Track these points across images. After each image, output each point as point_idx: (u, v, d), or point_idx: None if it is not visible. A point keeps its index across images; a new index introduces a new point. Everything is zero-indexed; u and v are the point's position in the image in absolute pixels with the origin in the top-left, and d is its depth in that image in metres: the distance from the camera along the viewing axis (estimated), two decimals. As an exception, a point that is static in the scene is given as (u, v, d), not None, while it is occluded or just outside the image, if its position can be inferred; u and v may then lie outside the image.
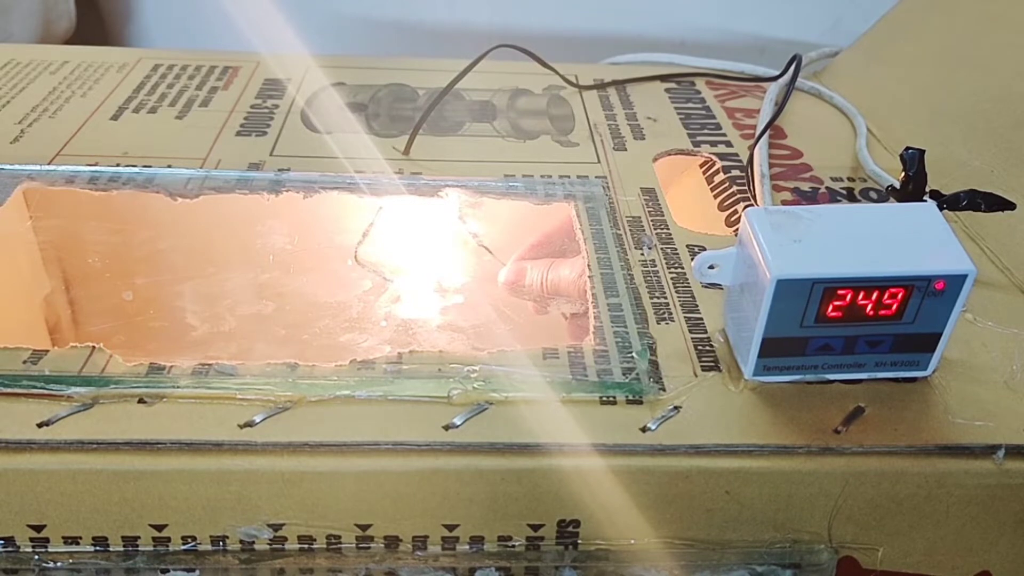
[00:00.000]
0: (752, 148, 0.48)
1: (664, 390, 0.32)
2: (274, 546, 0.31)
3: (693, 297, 0.37)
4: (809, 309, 0.30)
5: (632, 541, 0.31)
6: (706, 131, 0.52)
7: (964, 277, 0.30)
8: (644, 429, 0.30)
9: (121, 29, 0.92)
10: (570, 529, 0.31)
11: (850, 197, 0.45)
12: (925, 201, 0.40)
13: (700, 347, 0.34)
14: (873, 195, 0.45)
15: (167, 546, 0.30)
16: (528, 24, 0.85)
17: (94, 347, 0.32)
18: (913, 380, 0.33)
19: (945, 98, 0.50)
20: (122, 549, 0.30)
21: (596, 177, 0.46)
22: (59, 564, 0.30)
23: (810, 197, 0.45)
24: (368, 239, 0.48)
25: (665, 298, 0.37)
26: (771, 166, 0.47)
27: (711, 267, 0.33)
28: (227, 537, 0.30)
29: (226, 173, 0.44)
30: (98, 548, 0.30)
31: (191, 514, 0.30)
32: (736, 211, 0.44)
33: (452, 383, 0.32)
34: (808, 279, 0.30)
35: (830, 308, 0.30)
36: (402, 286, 0.49)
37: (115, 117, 0.50)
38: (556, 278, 0.43)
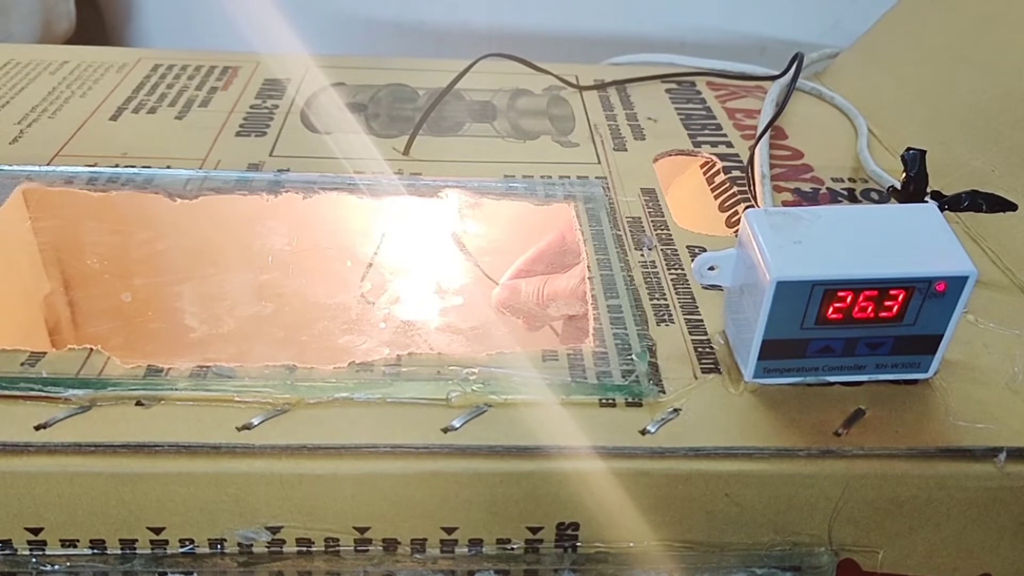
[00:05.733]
0: (753, 148, 0.48)
1: (664, 392, 0.32)
2: (272, 549, 0.30)
3: (693, 298, 0.37)
4: (809, 311, 0.30)
5: (631, 544, 0.31)
6: (706, 131, 0.52)
7: (965, 279, 0.30)
8: (644, 431, 0.30)
9: (121, 29, 0.92)
10: (569, 532, 0.31)
11: (851, 198, 0.45)
12: (926, 202, 0.40)
13: (700, 349, 0.34)
14: (874, 196, 0.45)
15: (165, 549, 0.30)
16: (528, 24, 0.85)
17: (92, 349, 0.32)
18: (914, 382, 0.33)
19: (946, 98, 0.50)
20: (120, 552, 0.30)
21: (596, 178, 0.46)
22: (56, 567, 0.30)
23: (811, 198, 0.45)
24: (373, 268, 0.48)
25: (665, 299, 0.37)
26: (772, 167, 0.47)
27: (711, 268, 0.33)
28: (225, 540, 0.30)
29: (225, 174, 0.44)
30: (96, 551, 0.30)
31: (189, 517, 0.30)
32: (736, 212, 0.44)
33: (451, 385, 0.31)
34: (808, 281, 0.29)
35: (830, 310, 0.30)
36: (401, 287, 0.49)
37: (114, 117, 0.50)
38: (553, 291, 0.42)
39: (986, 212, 0.39)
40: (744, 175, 0.47)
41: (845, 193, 0.46)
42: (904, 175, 0.40)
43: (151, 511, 0.29)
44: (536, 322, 0.46)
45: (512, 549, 0.31)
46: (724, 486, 0.30)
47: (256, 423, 0.30)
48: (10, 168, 0.44)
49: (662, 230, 0.41)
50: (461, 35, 0.86)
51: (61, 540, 0.30)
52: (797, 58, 0.55)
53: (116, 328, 0.49)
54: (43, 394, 0.30)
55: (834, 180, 0.47)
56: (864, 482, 0.30)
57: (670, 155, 0.49)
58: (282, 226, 0.48)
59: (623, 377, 0.32)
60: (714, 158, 0.49)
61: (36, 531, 0.30)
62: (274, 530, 0.30)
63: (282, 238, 0.48)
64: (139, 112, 0.51)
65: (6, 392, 0.30)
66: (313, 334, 0.46)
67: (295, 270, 0.49)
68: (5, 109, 0.50)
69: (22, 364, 0.32)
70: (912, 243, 0.30)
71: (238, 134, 0.49)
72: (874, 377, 0.32)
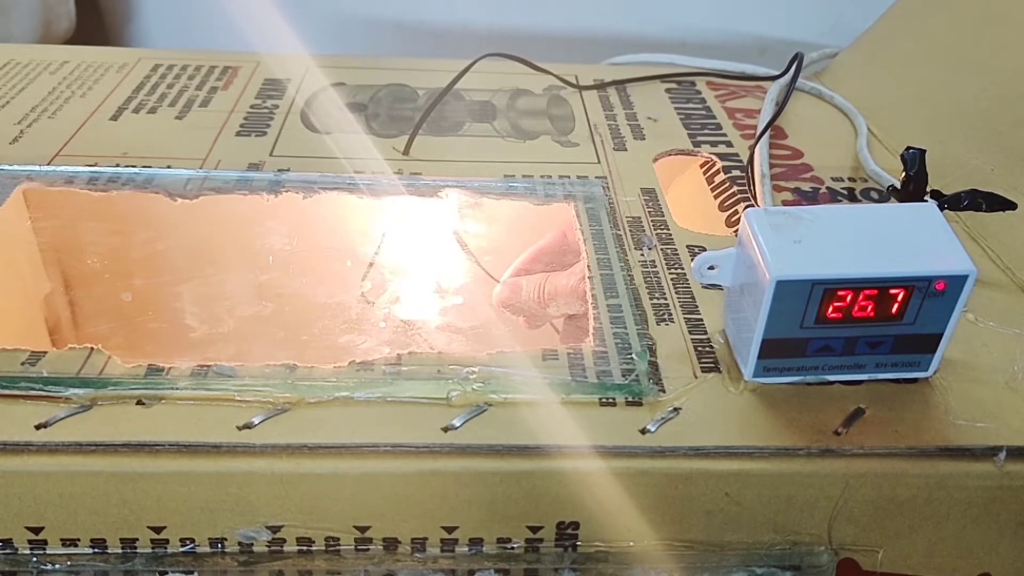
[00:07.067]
0: (752, 148, 0.48)
1: (664, 391, 0.32)
2: (273, 548, 0.30)
3: (693, 298, 0.37)
4: (809, 310, 0.30)
5: (631, 543, 0.31)
6: (706, 131, 0.52)
7: (965, 278, 0.30)
8: (644, 431, 0.30)
9: (121, 29, 0.92)
10: (569, 531, 0.31)
11: (851, 197, 0.45)
12: (926, 201, 0.40)
13: (700, 348, 0.34)
14: (874, 195, 0.45)
15: (165, 548, 0.30)
16: (528, 25, 0.85)
17: (92, 348, 0.32)
18: (914, 381, 0.33)
19: (945, 98, 0.50)
20: (120, 551, 0.30)
21: (596, 177, 0.46)
22: (57, 566, 0.30)
23: (811, 197, 0.45)
24: (373, 268, 0.48)
25: (665, 299, 0.37)
26: (772, 166, 0.47)
27: (711, 268, 0.33)
28: (226, 539, 0.30)
29: (226, 173, 0.44)
30: (96, 550, 0.30)
31: (189, 516, 0.30)
32: (736, 211, 0.44)
33: (451, 384, 0.31)
34: (808, 280, 0.29)
35: (830, 309, 0.30)
36: (401, 287, 0.49)
37: (115, 117, 0.50)
38: (554, 288, 0.42)
39: (986, 211, 0.39)
40: (744, 175, 0.47)
41: (845, 192, 0.46)
42: (904, 174, 0.40)
43: (152, 510, 0.29)
44: (536, 320, 0.46)
45: (512, 548, 0.31)
46: (724, 485, 0.30)
47: (256, 422, 0.30)
48: (10, 168, 0.44)
49: (662, 230, 0.41)
50: (461, 35, 0.86)
51: (62, 539, 0.30)
52: (797, 58, 0.55)
53: (116, 328, 0.49)
54: (44, 393, 0.30)
55: (834, 179, 0.47)
56: (864, 481, 0.30)
57: (670, 155, 0.49)
58: (282, 226, 0.48)
59: (623, 376, 0.32)
60: (714, 158, 0.49)
61: (37, 530, 0.30)
62: (274, 529, 0.30)
63: (282, 238, 0.49)
64: (139, 112, 0.51)
65: (6, 391, 0.30)
66: (313, 334, 0.46)
67: (295, 270, 0.49)
68: (5, 109, 0.50)
69: (22, 363, 0.32)
70: (912, 242, 0.30)
71: (238, 134, 0.49)
72: (874, 376, 0.32)
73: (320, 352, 0.45)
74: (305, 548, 0.31)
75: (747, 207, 0.38)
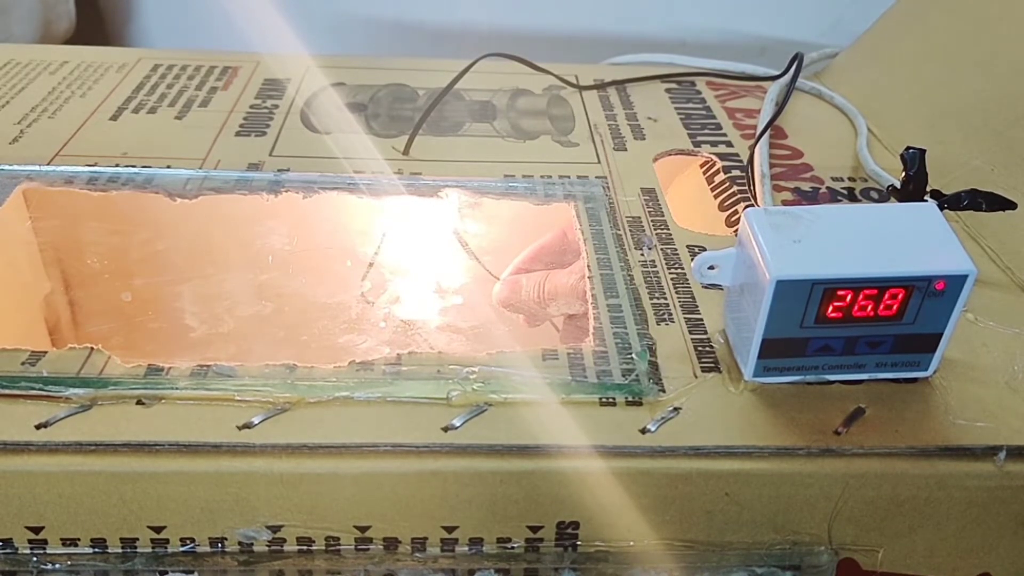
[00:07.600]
0: (752, 148, 0.48)
1: (664, 391, 0.32)
2: (273, 548, 0.30)
3: (693, 298, 0.37)
4: (809, 310, 0.30)
5: (631, 543, 0.31)
6: (706, 131, 0.52)
7: (965, 277, 0.30)
8: (644, 430, 0.30)
9: (121, 29, 0.92)
10: (569, 531, 0.31)
11: (851, 197, 0.45)
12: (926, 201, 0.40)
13: (700, 348, 0.34)
14: (874, 195, 0.45)
15: (165, 548, 0.30)
16: (529, 25, 0.85)
17: (92, 348, 0.32)
18: (914, 381, 0.33)
19: (945, 97, 0.50)
20: (120, 551, 0.30)
21: (596, 177, 0.46)
22: (57, 566, 0.30)
23: (811, 197, 0.45)
24: (373, 268, 0.48)
25: (665, 299, 0.37)
26: (772, 166, 0.47)
27: (711, 268, 0.33)
28: (226, 539, 0.30)
29: (225, 173, 0.44)
30: (96, 550, 0.30)
31: (189, 516, 0.30)
32: (736, 211, 0.44)
33: (451, 384, 0.31)
34: (808, 280, 0.29)
35: (830, 309, 0.30)
36: (401, 287, 0.49)
37: (114, 117, 0.50)
38: (554, 287, 0.42)
39: (985, 211, 0.39)
40: (744, 175, 0.47)
41: (845, 192, 0.46)
42: (904, 174, 0.40)
43: (152, 510, 0.29)
44: (536, 319, 0.46)
45: (512, 548, 0.31)
46: (724, 485, 0.30)
47: (256, 422, 0.30)
48: (10, 168, 0.44)
49: (662, 230, 0.41)
50: (461, 35, 0.86)
51: (62, 539, 0.30)
52: (797, 58, 0.55)
53: (116, 328, 0.50)
54: (44, 393, 0.30)
55: (834, 179, 0.47)
56: (864, 481, 0.30)
57: (670, 155, 0.49)
58: (282, 226, 0.48)
59: (623, 376, 0.32)
60: (714, 158, 0.49)
61: (37, 530, 0.30)
62: (275, 529, 0.30)
63: (282, 238, 0.49)
64: (139, 112, 0.51)
65: (7, 391, 0.30)
66: (313, 333, 0.47)
67: (295, 270, 0.49)
68: (5, 109, 0.50)
69: (23, 363, 0.32)
70: (912, 242, 0.30)
71: (238, 134, 0.49)
72: (874, 376, 0.32)
73: (320, 352, 0.45)
74: (305, 548, 0.31)
75: (747, 207, 0.38)
